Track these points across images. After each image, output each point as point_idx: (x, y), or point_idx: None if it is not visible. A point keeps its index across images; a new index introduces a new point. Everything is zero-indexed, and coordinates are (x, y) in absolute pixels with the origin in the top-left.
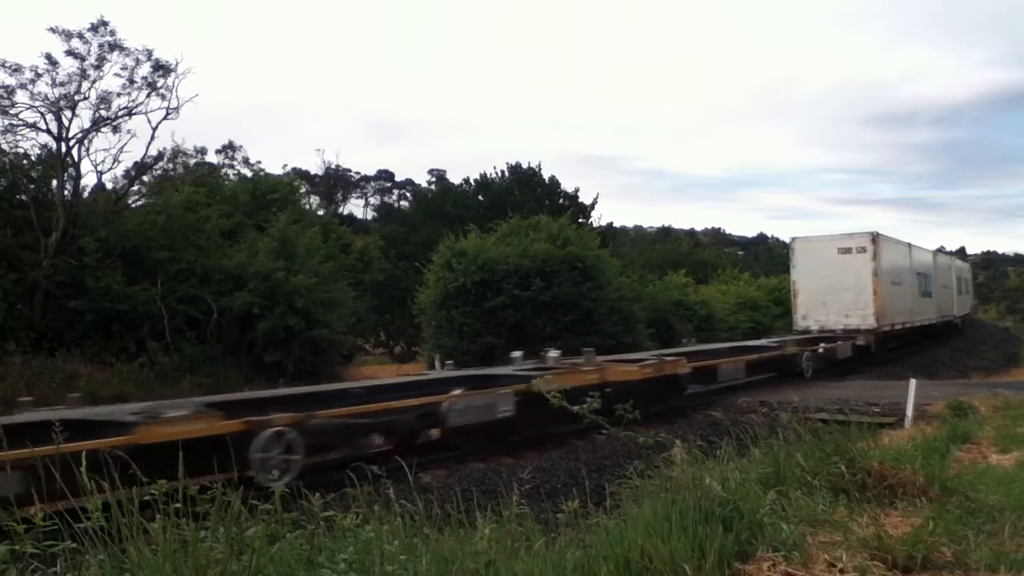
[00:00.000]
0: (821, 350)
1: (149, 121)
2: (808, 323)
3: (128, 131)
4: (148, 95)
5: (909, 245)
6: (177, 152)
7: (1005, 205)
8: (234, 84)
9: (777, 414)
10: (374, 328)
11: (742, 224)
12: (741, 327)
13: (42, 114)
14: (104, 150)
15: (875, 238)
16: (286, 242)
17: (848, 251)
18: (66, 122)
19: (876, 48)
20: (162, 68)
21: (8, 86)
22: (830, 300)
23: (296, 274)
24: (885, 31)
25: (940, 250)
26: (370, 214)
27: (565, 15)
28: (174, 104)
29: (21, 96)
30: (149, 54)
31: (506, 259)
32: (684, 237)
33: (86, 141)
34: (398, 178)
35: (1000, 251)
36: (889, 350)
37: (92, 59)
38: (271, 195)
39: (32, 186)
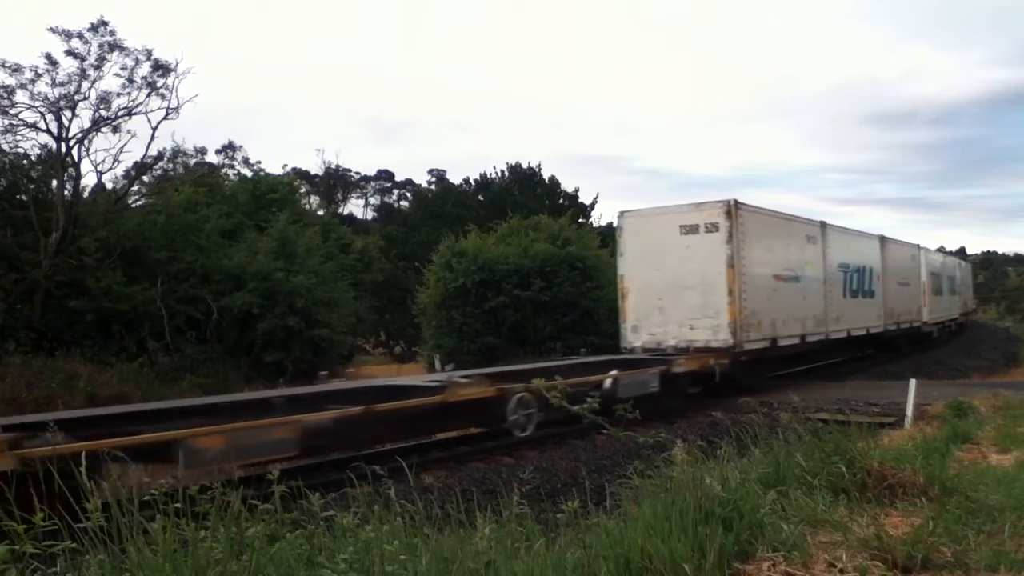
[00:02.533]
0: (608, 384)
1: (149, 121)
2: (639, 338)
3: (128, 131)
4: (148, 95)
5: (822, 224)
6: (177, 152)
7: (1006, 205)
8: (234, 84)
9: (777, 414)
10: (374, 328)
11: None
12: None
13: (42, 114)
14: (104, 150)
15: (731, 209)
16: (286, 242)
17: (694, 230)
18: (66, 122)
19: (875, 46)
20: (162, 68)
21: (8, 86)
22: (670, 304)
23: (296, 274)
24: (885, 29)
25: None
26: (370, 214)
27: (565, 15)
28: (174, 104)
29: (21, 96)
30: (149, 54)
31: (506, 259)
32: None
33: (86, 141)
34: (398, 178)
35: (1000, 251)
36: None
37: (92, 59)
38: (271, 195)
39: (32, 186)
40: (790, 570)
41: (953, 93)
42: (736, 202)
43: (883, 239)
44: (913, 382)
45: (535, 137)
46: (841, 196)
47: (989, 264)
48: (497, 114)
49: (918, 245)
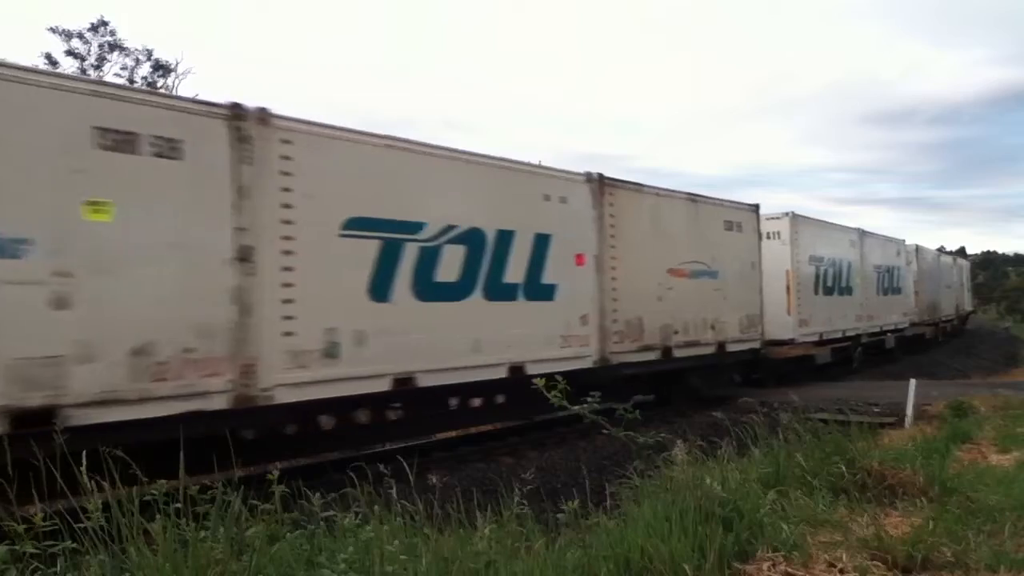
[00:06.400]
0: None
1: None
2: None
3: None
4: None
5: (262, 116)
6: None
7: (1006, 205)
8: (234, 84)
9: (777, 414)
10: None
11: None
12: None
13: None
14: None
15: None
16: None
17: None
18: None
19: (875, 44)
20: (162, 68)
21: None
22: None
23: None
24: (884, 28)
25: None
26: None
27: (565, 15)
28: None
29: None
30: (149, 54)
31: None
32: None
33: None
34: None
35: (1000, 251)
36: None
37: (92, 59)
38: None
39: None
40: (790, 570)
41: (953, 92)
42: None
43: (602, 181)
44: (913, 382)
45: (535, 137)
46: (842, 196)
47: (989, 264)
48: (497, 114)
49: (755, 207)
